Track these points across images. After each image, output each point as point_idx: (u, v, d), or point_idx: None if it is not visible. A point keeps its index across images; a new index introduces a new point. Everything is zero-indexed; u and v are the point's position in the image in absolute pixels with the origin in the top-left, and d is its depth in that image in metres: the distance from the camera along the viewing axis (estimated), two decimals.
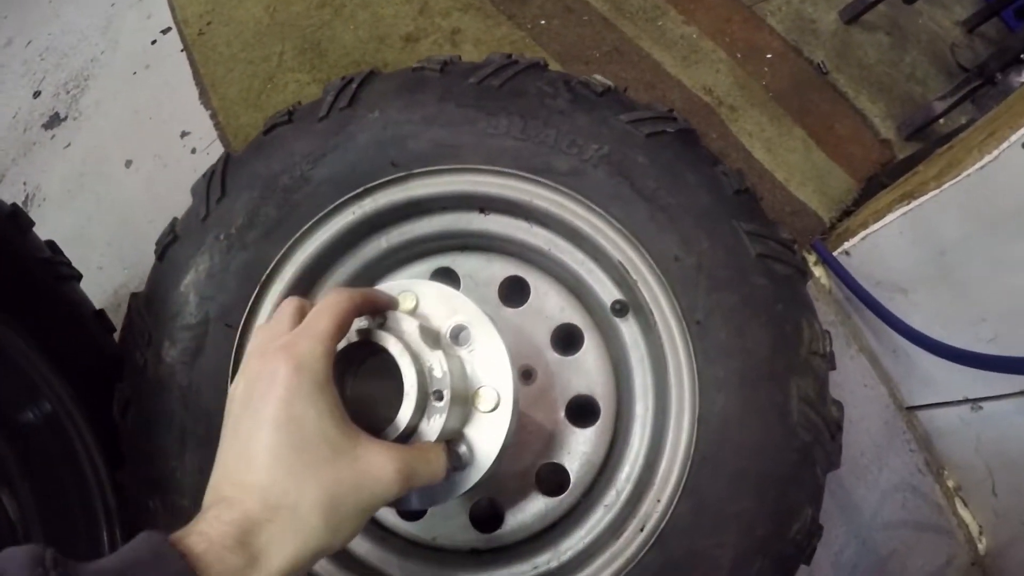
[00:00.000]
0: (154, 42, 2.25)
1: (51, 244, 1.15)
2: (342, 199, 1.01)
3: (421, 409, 0.68)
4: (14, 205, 1.08)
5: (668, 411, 0.92)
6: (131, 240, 1.93)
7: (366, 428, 0.63)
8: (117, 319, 1.17)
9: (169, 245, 1.06)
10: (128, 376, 1.03)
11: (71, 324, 1.12)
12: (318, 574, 0.94)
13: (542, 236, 1.03)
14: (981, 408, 1.51)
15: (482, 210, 1.05)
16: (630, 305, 1.00)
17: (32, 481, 1.02)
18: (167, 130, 2.05)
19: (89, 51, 2.29)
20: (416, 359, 0.68)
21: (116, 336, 1.18)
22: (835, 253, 1.64)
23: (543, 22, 2.04)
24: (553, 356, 1.04)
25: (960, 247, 1.42)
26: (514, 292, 1.08)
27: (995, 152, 1.27)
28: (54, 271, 1.11)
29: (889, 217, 1.54)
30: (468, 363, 0.75)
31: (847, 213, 1.77)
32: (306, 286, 1.04)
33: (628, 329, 1.01)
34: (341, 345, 0.67)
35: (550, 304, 1.06)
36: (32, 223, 1.11)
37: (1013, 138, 1.23)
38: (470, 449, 0.74)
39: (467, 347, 0.76)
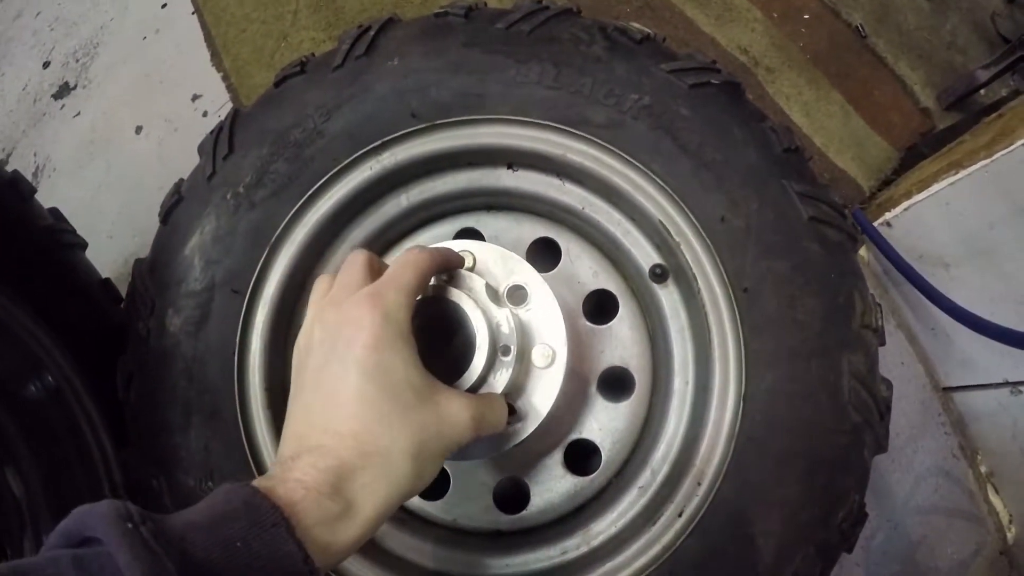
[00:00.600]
0: (164, 6, 2.22)
1: (55, 212, 1.12)
2: (358, 153, 0.95)
3: (491, 362, 0.73)
4: (15, 172, 1.04)
5: (711, 387, 0.86)
6: (142, 207, 1.92)
7: (441, 375, 0.66)
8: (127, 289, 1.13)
9: (174, 207, 1.01)
10: (131, 348, 0.98)
11: (75, 294, 1.10)
12: None
13: (575, 194, 0.96)
14: (1021, 392, 1.45)
15: (510, 165, 0.98)
16: (671, 270, 0.93)
17: (37, 457, 0.99)
18: (178, 94, 2.03)
19: (98, 18, 2.27)
20: (486, 315, 0.73)
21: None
22: (875, 224, 1.57)
23: None
24: (585, 325, 0.97)
25: (1011, 221, 1.35)
26: (544, 255, 1.01)
27: None
28: (57, 239, 1.09)
29: (935, 187, 1.47)
30: (525, 321, 0.79)
31: (887, 183, 1.72)
32: (319, 249, 0.98)
33: (668, 296, 0.94)
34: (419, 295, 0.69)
35: (583, 268, 1.00)
36: (34, 190, 1.07)
37: None
38: (525, 403, 0.78)
39: (524, 306, 0.80)
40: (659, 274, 0.93)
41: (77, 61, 2.22)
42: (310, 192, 0.95)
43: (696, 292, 0.88)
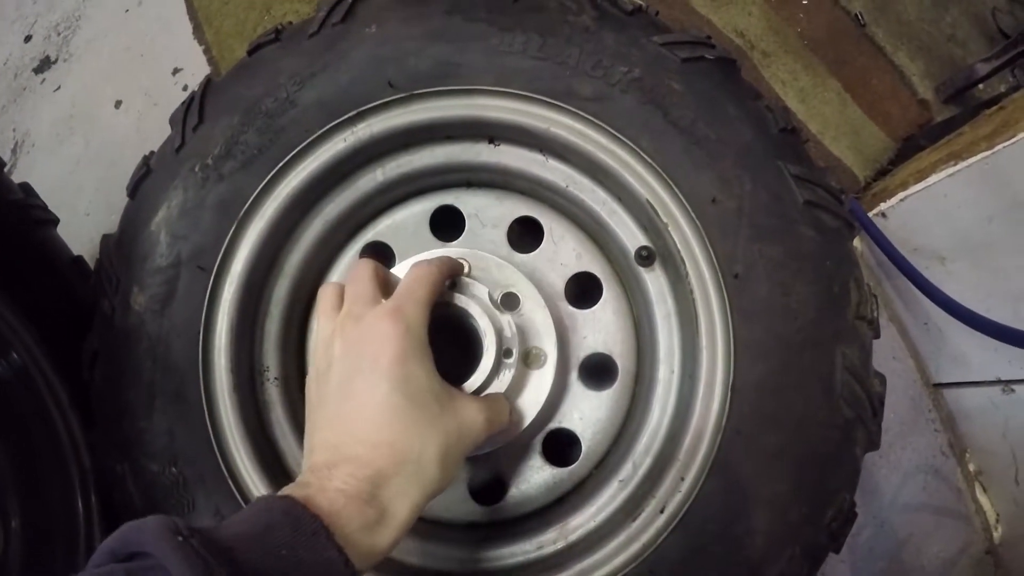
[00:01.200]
0: None
1: (25, 186, 1.10)
2: (332, 124, 0.90)
3: (497, 365, 0.78)
4: None
5: (697, 376, 0.82)
6: (119, 184, 1.86)
7: (456, 364, 0.75)
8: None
9: (141, 180, 0.97)
10: (96, 326, 0.95)
11: (45, 272, 1.08)
12: None
13: (559, 171, 0.92)
14: (1013, 391, 1.44)
15: (492, 140, 0.93)
16: (658, 253, 0.89)
17: (3, 440, 0.95)
18: (159, 67, 2.00)
19: None
20: (492, 320, 0.79)
21: None
22: (870, 214, 1.54)
23: None
24: (567, 308, 0.93)
25: (1010, 215, 1.32)
26: (526, 235, 0.98)
27: None
28: (27, 215, 1.07)
29: (933, 178, 1.44)
30: (519, 325, 0.83)
31: (882, 173, 1.69)
32: (290, 224, 0.94)
33: (654, 280, 0.90)
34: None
35: (566, 249, 0.96)
36: (3, 164, 1.06)
37: None
38: (519, 401, 0.83)
39: (517, 311, 0.86)
40: (645, 257, 0.89)
41: (59, 35, 2.18)
42: (281, 164, 0.91)
43: (684, 276, 0.84)
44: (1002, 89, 1.86)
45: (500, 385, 0.79)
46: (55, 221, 1.13)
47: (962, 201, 1.40)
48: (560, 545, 0.84)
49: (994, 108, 1.44)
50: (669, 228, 0.84)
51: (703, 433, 0.80)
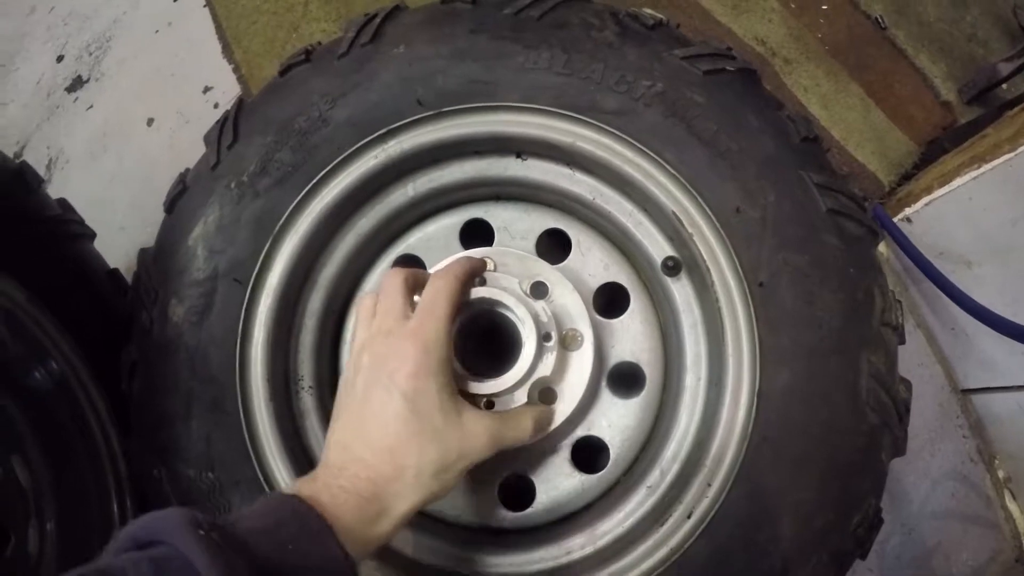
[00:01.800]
0: None
1: (63, 202, 1.12)
2: (363, 141, 0.92)
3: (539, 350, 0.80)
4: (22, 163, 1.04)
5: (724, 384, 0.83)
6: (153, 199, 1.88)
7: (493, 367, 0.81)
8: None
9: (178, 197, 1.00)
10: (135, 337, 0.97)
11: (82, 284, 1.10)
12: None
13: (586, 184, 0.94)
14: None
15: (519, 154, 0.95)
16: (684, 263, 0.90)
17: (43, 447, 0.99)
18: (189, 86, 2.03)
19: (111, 12, 2.26)
20: (528, 307, 0.81)
21: None
22: (896, 219, 1.53)
23: None
24: (595, 318, 0.94)
25: None
26: (554, 247, 0.99)
27: None
28: (65, 229, 1.09)
29: (957, 182, 1.43)
30: (552, 311, 0.84)
31: (907, 177, 1.68)
32: (324, 239, 0.96)
33: (680, 290, 0.91)
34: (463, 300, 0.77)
35: (593, 260, 0.97)
36: (41, 180, 1.08)
37: None
38: (563, 385, 0.85)
39: (547, 299, 0.87)
40: (672, 267, 0.90)
41: (90, 55, 2.21)
42: (314, 181, 0.93)
43: (710, 286, 0.85)
44: None
45: (545, 369, 0.81)
46: (92, 235, 1.16)
47: (987, 204, 1.39)
48: (588, 550, 0.85)
49: (1016, 109, 1.43)
50: (694, 238, 0.85)
51: (730, 440, 0.81)
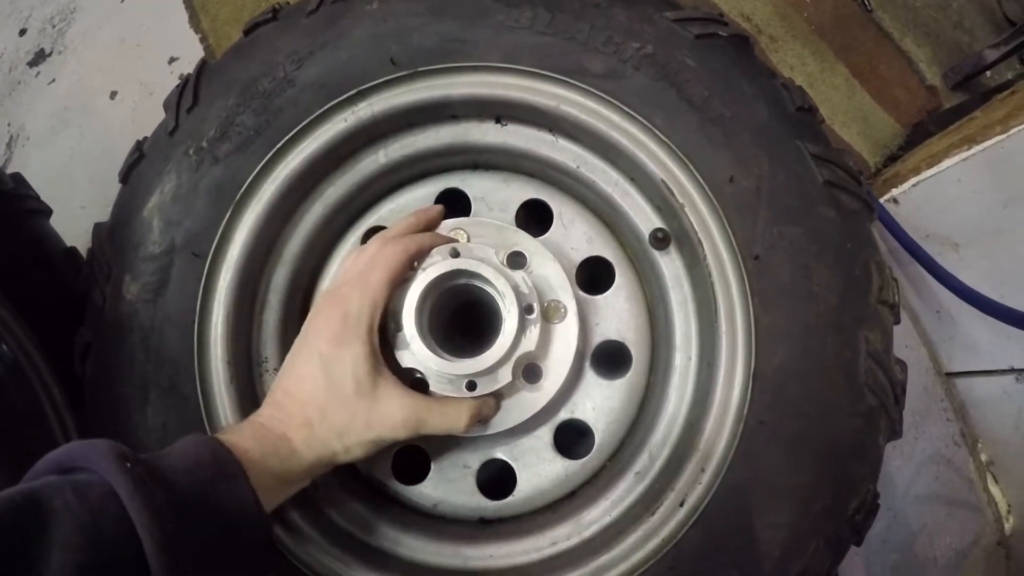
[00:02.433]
0: None
1: (17, 176, 1.08)
2: (331, 103, 0.87)
3: (522, 323, 0.77)
4: None
5: (716, 364, 0.79)
6: (114, 175, 1.87)
7: (473, 344, 0.79)
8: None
9: (134, 165, 0.94)
10: (88, 317, 0.91)
11: (37, 263, 1.06)
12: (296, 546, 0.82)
13: (569, 151, 0.89)
14: None
15: (499, 119, 0.90)
16: (673, 235, 0.86)
17: None
18: (154, 57, 1.99)
19: None
20: (507, 278, 0.77)
21: None
22: (882, 200, 1.51)
23: None
24: (578, 295, 0.90)
25: None
26: (534, 218, 0.95)
27: None
28: (18, 205, 1.05)
29: (946, 163, 1.41)
30: (532, 282, 0.81)
31: (892, 159, 1.67)
32: (289, 208, 0.91)
33: (669, 264, 0.87)
34: (433, 274, 0.77)
35: (576, 233, 0.93)
36: None
37: None
38: (548, 359, 0.82)
39: (526, 269, 0.83)
40: (661, 239, 0.86)
41: (54, 27, 2.15)
42: (278, 146, 0.87)
43: (701, 259, 0.81)
44: (1009, 76, 1.86)
45: (529, 344, 0.78)
46: (48, 212, 1.11)
47: (976, 186, 1.37)
48: (575, 541, 0.82)
49: (1007, 92, 1.42)
50: (685, 209, 0.81)
51: (723, 423, 0.77)
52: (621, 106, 0.82)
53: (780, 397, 0.76)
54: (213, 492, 0.61)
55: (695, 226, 0.81)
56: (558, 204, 0.93)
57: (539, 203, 0.94)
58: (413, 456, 0.89)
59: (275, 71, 0.88)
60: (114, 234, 0.92)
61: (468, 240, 0.84)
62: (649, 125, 0.81)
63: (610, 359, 0.91)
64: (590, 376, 0.89)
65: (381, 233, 0.82)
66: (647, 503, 0.79)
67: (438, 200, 0.95)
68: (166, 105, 0.94)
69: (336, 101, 0.87)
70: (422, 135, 0.91)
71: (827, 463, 0.76)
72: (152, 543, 0.53)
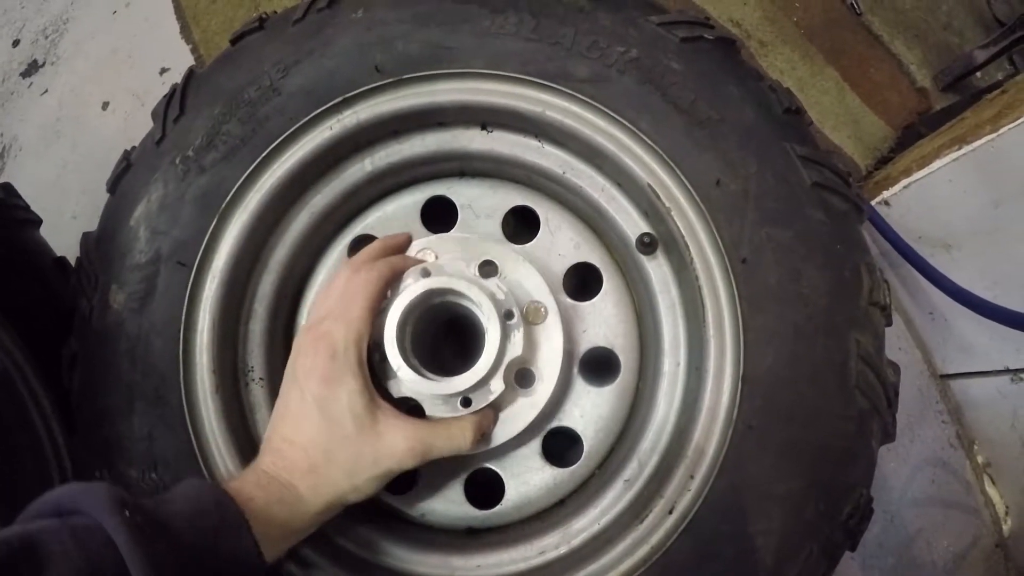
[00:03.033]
0: None
1: (6, 186, 1.08)
2: (317, 111, 0.87)
3: (504, 331, 0.76)
4: None
5: (705, 369, 0.79)
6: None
7: (458, 357, 0.80)
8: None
9: (122, 175, 0.94)
10: (76, 327, 0.91)
11: (26, 273, 1.05)
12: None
13: (555, 157, 0.89)
14: (1022, 380, 1.42)
15: (484, 126, 0.90)
16: (660, 240, 0.85)
17: None
18: (146, 68, 2.01)
19: None
20: (482, 288, 0.77)
21: None
22: (873, 203, 1.51)
23: None
24: (565, 301, 0.90)
25: (1018, 199, 1.30)
26: (521, 225, 0.95)
27: None
28: (7, 215, 1.05)
29: (937, 163, 1.41)
30: (508, 288, 0.81)
31: (883, 161, 1.67)
32: (274, 218, 0.90)
33: (657, 269, 0.86)
34: (408, 297, 0.76)
35: (563, 239, 0.92)
36: None
37: None
38: (538, 362, 0.82)
39: (500, 276, 0.83)
40: (647, 244, 0.85)
41: (46, 38, 2.17)
42: (264, 154, 0.87)
43: (689, 263, 0.81)
44: (999, 77, 1.86)
45: (515, 349, 0.77)
46: (37, 222, 1.10)
47: (967, 186, 1.37)
48: (563, 550, 0.81)
49: (996, 92, 1.41)
50: (672, 213, 0.81)
51: (713, 428, 0.77)
52: (606, 110, 0.82)
53: (770, 401, 0.76)
54: (215, 543, 0.60)
55: (682, 230, 0.80)
56: (545, 210, 0.93)
57: (526, 209, 0.94)
58: None
59: (261, 80, 0.89)
60: (101, 243, 0.92)
61: (436, 259, 0.83)
62: (635, 129, 0.81)
63: (598, 366, 0.90)
64: (578, 383, 0.89)
65: (347, 261, 0.80)
66: (636, 511, 0.79)
67: (425, 207, 0.95)
68: (154, 115, 0.94)
69: (322, 109, 0.87)
70: (408, 143, 0.91)
71: (819, 467, 0.76)
72: None
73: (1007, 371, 1.43)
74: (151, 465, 0.83)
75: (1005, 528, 1.54)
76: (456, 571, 0.81)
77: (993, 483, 1.57)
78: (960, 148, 1.36)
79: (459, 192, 0.94)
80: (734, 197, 0.79)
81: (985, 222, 1.36)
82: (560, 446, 0.89)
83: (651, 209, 0.84)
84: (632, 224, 0.87)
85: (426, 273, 0.79)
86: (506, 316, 0.77)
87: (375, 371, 0.77)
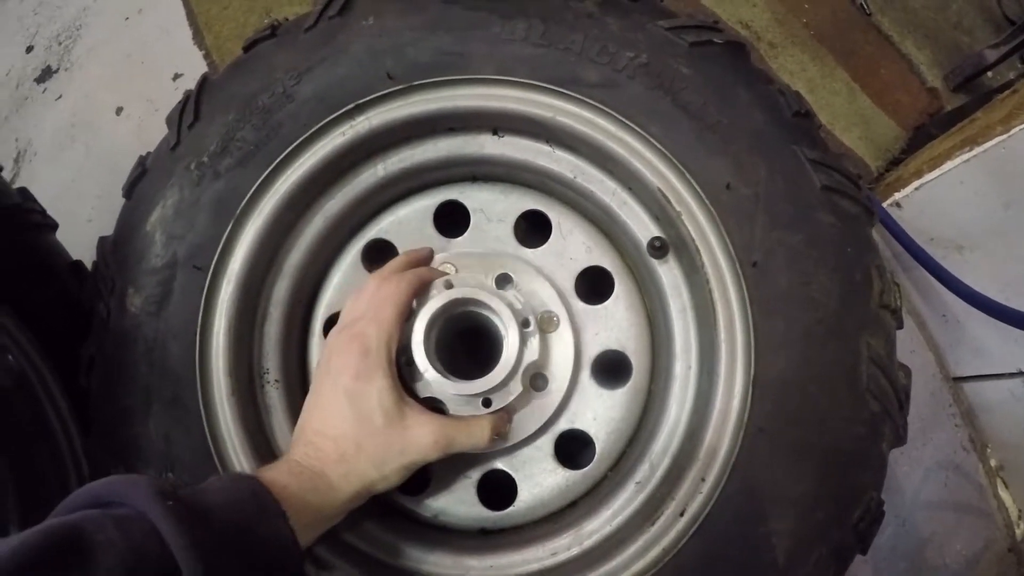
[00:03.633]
0: None
1: (23, 191, 1.09)
2: (330, 118, 0.88)
3: (522, 338, 0.81)
4: None
5: (716, 372, 0.79)
6: (120, 190, 1.89)
7: (477, 365, 0.82)
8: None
9: (138, 180, 0.95)
10: (92, 330, 0.92)
11: (42, 276, 1.06)
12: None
13: (566, 161, 0.89)
14: None
15: (495, 131, 0.91)
16: (671, 243, 0.86)
17: (1, 446, 0.91)
18: (159, 73, 2.02)
19: (82, 0, 2.24)
20: (502, 299, 0.82)
21: None
22: (885, 204, 1.50)
23: None
24: (578, 305, 0.90)
25: None
26: (533, 229, 0.95)
27: None
28: (25, 219, 1.06)
29: (948, 165, 1.40)
30: (524, 299, 0.87)
31: (895, 163, 1.66)
32: (289, 221, 0.91)
33: (668, 273, 0.87)
34: (435, 306, 0.81)
35: (574, 243, 0.93)
36: None
37: None
38: (549, 370, 0.87)
39: (515, 287, 0.89)
40: (658, 248, 0.85)
41: (60, 44, 2.19)
42: (278, 160, 0.88)
43: (699, 267, 0.81)
44: (1011, 76, 1.85)
45: (532, 354, 0.82)
46: (54, 226, 1.12)
47: (979, 187, 1.36)
48: (575, 551, 0.81)
49: (1008, 92, 1.41)
50: (682, 217, 0.81)
51: (724, 431, 0.77)
52: (617, 115, 0.82)
53: (781, 405, 0.76)
54: (253, 530, 0.62)
55: (692, 234, 0.81)
56: (557, 215, 0.93)
57: (538, 214, 0.94)
58: None
59: (274, 86, 0.89)
60: (118, 247, 0.93)
61: (457, 271, 0.89)
62: (645, 134, 0.82)
63: (610, 369, 0.90)
64: (591, 386, 0.89)
65: (377, 272, 0.84)
66: (648, 513, 0.79)
67: (437, 212, 0.95)
68: (168, 121, 0.95)
69: (334, 115, 0.87)
70: (420, 148, 0.92)
71: (829, 471, 0.76)
72: None
73: (1020, 373, 1.42)
74: (168, 465, 0.84)
75: (1018, 532, 1.53)
76: (470, 571, 0.82)
77: (1006, 486, 1.56)
78: (971, 149, 1.35)
79: (471, 196, 0.95)
80: (744, 201, 0.79)
81: (997, 223, 1.35)
82: (572, 448, 0.90)
83: (662, 213, 0.84)
84: (643, 228, 0.87)
85: (449, 285, 0.84)
86: (523, 324, 0.82)
87: (401, 374, 0.80)
